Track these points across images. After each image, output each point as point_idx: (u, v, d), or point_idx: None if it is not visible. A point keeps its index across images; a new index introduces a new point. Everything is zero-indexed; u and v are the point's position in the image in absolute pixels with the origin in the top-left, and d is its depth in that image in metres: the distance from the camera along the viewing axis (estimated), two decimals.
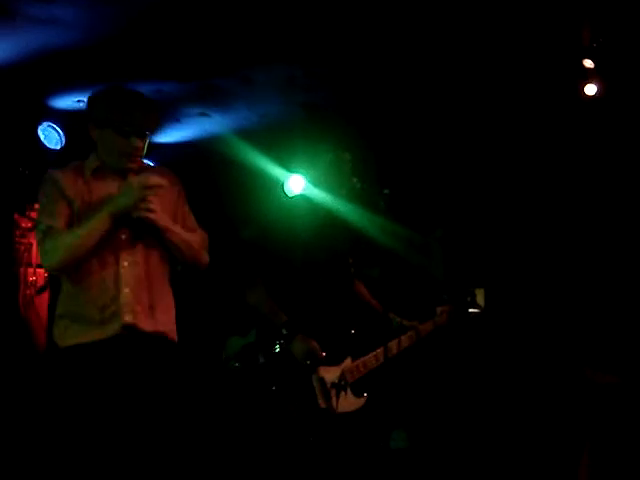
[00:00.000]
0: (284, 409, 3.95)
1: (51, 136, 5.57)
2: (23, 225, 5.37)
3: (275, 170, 6.14)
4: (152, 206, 3.18)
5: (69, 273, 3.20)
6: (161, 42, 4.72)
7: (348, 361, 4.16)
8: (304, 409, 3.95)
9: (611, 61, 4.99)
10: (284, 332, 4.02)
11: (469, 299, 4.61)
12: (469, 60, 5.01)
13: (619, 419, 4.94)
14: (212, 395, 5.10)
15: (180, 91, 5.38)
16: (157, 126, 3.34)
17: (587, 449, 4.93)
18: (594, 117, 5.52)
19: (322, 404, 3.98)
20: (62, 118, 5.57)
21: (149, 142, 3.30)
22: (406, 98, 5.59)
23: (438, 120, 5.82)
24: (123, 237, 3.21)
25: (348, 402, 4.09)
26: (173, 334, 3.33)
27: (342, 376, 4.08)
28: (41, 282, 5.38)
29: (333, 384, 4.02)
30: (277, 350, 4.04)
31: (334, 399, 4.01)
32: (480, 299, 4.68)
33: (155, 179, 3.19)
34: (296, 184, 6.05)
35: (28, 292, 5.37)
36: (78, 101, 5.32)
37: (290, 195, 6.04)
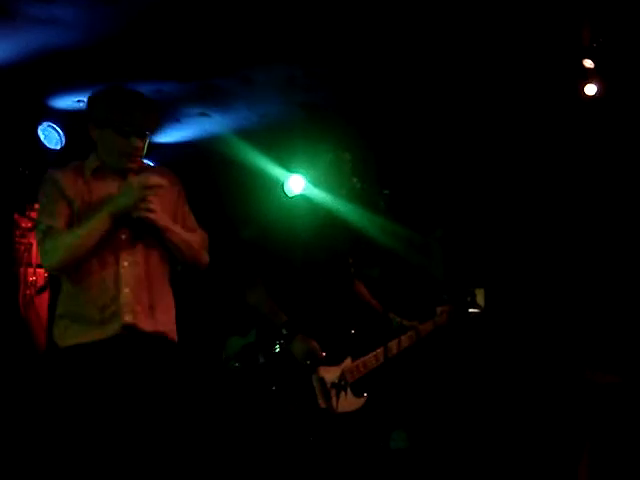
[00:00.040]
0: (284, 409, 3.95)
1: (51, 136, 5.57)
2: (23, 225, 5.37)
3: (275, 170, 6.14)
4: (152, 206, 3.17)
5: (69, 273, 3.19)
6: (161, 42, 4.72)
7: (348, 361, 4.16)
8: (304, 409, 3.96)
9: (611, 61, 4.99)
10: (284, 332, 4.02)
11: (469, 299, 4.62)
12: (469, 60, 5.01)
13: (619, 419, 4.94)
14: (212, 395, 5.10)
15: (180, 91, 5.38)
16: (157, 126, 3.34)
17: (587, 449, 4.94)
18: (594, 117, 5.52)
19: (322, 404, 3.98)
20: (62, 118, 5.57)
21: (149, 142, 3.29)
22: (406, 98, 5.59)
23: (438, 120, 5.82)
24: (123, 237, 3.21)
25: (348, 402, 4.09)
26: (173, 334, 3.32)
27: (342, 376, 4.08)
28: (41, 282, 5.38)
29: (333, 384, 4.02)
30: (277, 350, 4.04)
31: (334, 399, 4.01)
32: (480, 299, 4.68)
33: (155, 179, 3.18)
34: (296, 184, 6.05)
35: (28, 292, 5.36)
36: (78, 101, 5.32)
37: (290, 195, 6.04)
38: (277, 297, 4.12)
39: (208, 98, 5.55)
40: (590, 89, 5.20)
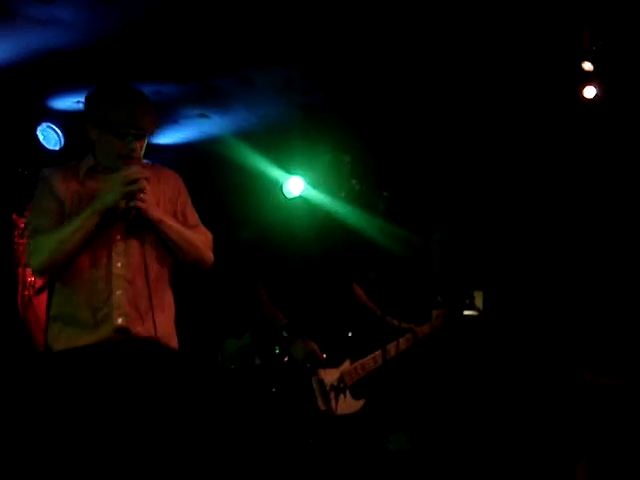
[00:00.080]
0: (284, 411, 3.95)
1: (50, 137, 5.57)
2: (22, 225, 5.36)
3: (274, 172, 6.14)
4: (143, 196, 3.10)
5: (59, 274, 3.15)
6: (160, 43, 4.72)
7: (347, 363, 4.16)
8: (304, 411, 3.95)
9: (610, 64, 4.99)
10: (284, 334, 4.02)
11: (467, 301, 4.62)
12: (468, 62, 5.01)
13: (617, 421, 4.94)
14: (210, 398, 5.09)
15: (179, 92, 5.38)
16: (156, 128, 3.28)
17: (585, 451, 4.93)
18: (593, 120, 5.52)
19: (321, 406, 3.98)
20: (61, 119, 5.57)
21: (147, 143, 3.26)
22: (405, 100, 5.59)
23: (437, 122, 5.82)
24: (118, 237, 3.15)
25: (347, 404, 4.09)
26: (169, 339, 3.24)
27: (341, 378, 4.08)
28: (40, 283, 5.37)
29: (332, 386, 4.02)
30: (277, 352, 4.03)
31: (333, 401, 4.01)
32: (479, 301, 4.68)
33: (137, 172, 3.10)
34: (295, 186, 6.05)
35: (27, 293, 5.35)
36: (77, 102, 5.31)
37: (289, 197, 6.04)
38: (276, 299, 4.12)
39: (207, 99, 5.55)
40: (589, 92, 5.21)
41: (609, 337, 5.50)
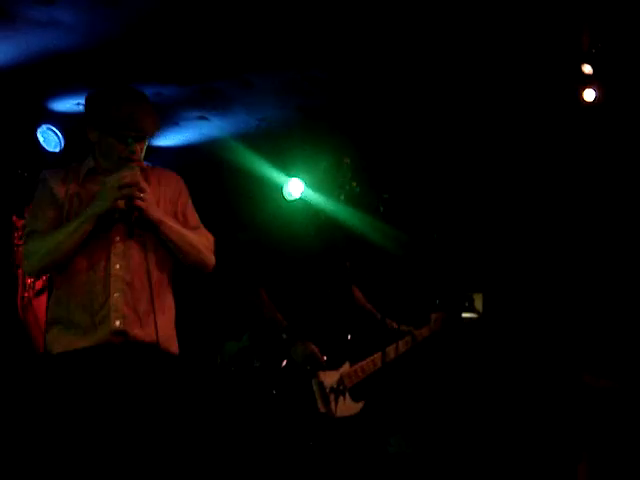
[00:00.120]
0: (284, 413, 3.95)
1: (50, 139, 5.56)
2: (21, 227, 5.36)
3: (274, 174, 6.14)
4: (143, 196, 3.08)
5: (58, 277, 3.14)
6: (161, 45, 4.72)
7: (346, 366, 4.16)
8: (304, 413, 3.95)
9: (610, 67, 4.99)
10: (284, 337, 4.02)
11: (467, 304, 4.62)
12: (468, 64, 5.01)
13: (617, 423, 4.94)
14: (208, 402, 5.08)
15: (180, 95, 5.38)
16: (156, 130, 3.26)
17: (586, 453, 4.94)
18: (593, 123, 5.52)
19: (321, 408, 3.98)
20: (62, 121, 5.57)
21: (148, 145, 3.25)
22: (405, 103, 5.59)
23: (438, 124, 5.82)
24: (117, 239, 3.13)
25: (347, 407, 4.09)
26: (169, 342, 3.21)
27: (340, 381, 4.09)
28: (39, 284, 5.38)
29: (332, 389, 4.03)
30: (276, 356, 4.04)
31: (333, 403, 4.02)
32: (478, 304, 4.68)
33: (130, 176, 3.07)
34: (295, 188, 6.05)
35: (26, 294, 5.35)
36: (78, 104, 5.31)
37: (289, 199, 6.04)
38: (276, 301, 4.13)
39: (207, 102, 5.55)
40: (589, 95, 5.20)
41: (608, 339, 5.51)
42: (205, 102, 5.53)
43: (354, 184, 4.19)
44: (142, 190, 3.09)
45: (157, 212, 3.15)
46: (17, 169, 5.33)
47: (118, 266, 3.10)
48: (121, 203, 3.07)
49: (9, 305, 5.28)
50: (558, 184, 6.05)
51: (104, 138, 3.14)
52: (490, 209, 6.33)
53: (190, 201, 3.39)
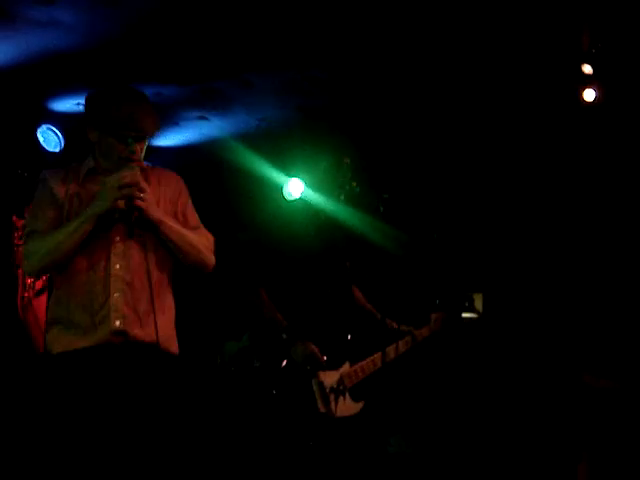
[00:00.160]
0: (284, 413, 3.95)
1: (50, 139, 5.56)
2: (21, 227, 5.37)
3: (274, 174, 6.14)
4: (143, 196, 3.07)
5: (58, 277, 3.13)
6: (161, 45, 4.72)
7: (346, 366, 4.17)
8: (304, 413, 3.96)
9: (610, 67, 4.99)
10: (284, 337, 4.02)
11: (467, 304, 4.62)
12: (468, 64, 5.01)
13: (617, 423, 4.94)
14: (208, 401, 5.08)
15: (180, 94, 5.38)
16: (156, 129, 3.25)
17: (586, 454, 4.94)
18: (593, 123, 5.52)
19: (321, 408, 3.99)
20: (62, 121, 5.57)
21: (148, 145, 3.25)
22: (405, 103, 5.59)
23: (437, 124, 5.82)
24: (117, 239, 3.12)
25: (347, 407, 4.09)
26: (169, 342, 3.20)
27: (340, 381, 4.09)
28: (39, 284, 5.38)
29: (332, 389, 4.03)
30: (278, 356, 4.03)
31: (333, 403, 4.02)
32: (478, 304, 4.69)
33: (129, 176, 3.07)
34: (295, 188, 6.05)
35: (26, 294, 5.35)
36: (78, 104, 5.31)
37: (289, 199, 6.04)
38: (276, 301, 4.13)
39: (207, 102, 5.55)
40: (589, 95, 5.20)
41: (608, 339, 5.51)
42: (205, 102, 5.53)
43: (354, 184, 4.19)
44: (142, 190, 3.08)
45: (157, 212, 3.15)
46: (17, 169, 5.33)
47: (118, 266, 3.09)
48: (121, 203, 3.07)
49: (9, 305, 5.28)
50: (558, 184, 6.05)
51: (104, 138, 3.13)
52: (490, 209, 6.33)
53: (190, 201, 3.38)
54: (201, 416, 5.11)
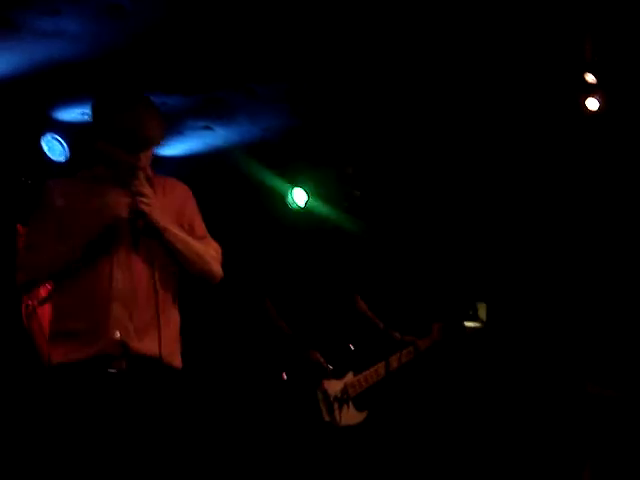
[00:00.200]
0: (289, 422, 3.95)
1: (55, 148, 5.57)
2: None
3: (278, 183, 6.14)
4: (146, 200, 3.02)
5: (60, 286, 3.10)
6: (166, 55, 4.74)
7: (350, 375, 4.17)
8: (308, 422, 3.96)
9: (613, 76, 5.00)
10: (289, 346, 4.02)
11: (470, 313, 4.63)
12: (471, 73, 5.02)
13: (620, 432, 4.94)
14: (212, 409, 5.07)
15: (184, 104, 5.39)
16: (162, 138, 3.21)
17: (589, 462, 4.93)
18: (596, 132, 5.53)
19: (326, 417, 3.99)
20: (67, 130, 5.57)
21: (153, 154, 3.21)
22: (409, 113, 5.60)
23: (442, 132, 5.83)
24: (121, 249, 3.06)
25: (350, 416, 4.10)
26: (172, 357, 3.11)
27: (344, 390, 4.09)
28: (44, 293, 5.37)
29: (336, 398, 4.04)
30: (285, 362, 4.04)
31: (337, 412, 4.02)
32: (482, 313, 4.69)
33: (133, 186, 3.03)
34: (299, 197, 6.06)
35: (31, 303, 5.34)
36: (83, 114, 5.33)
37: (293, 208, 6.05)
38: (280, 311, 4.14)
39: (212, 111, 5.56)
40: (592, 104, 5.21)
41: (612, 349, 5.51)
42: (210, 112, 5.54)
43: (357, 193, 4.20)
44: (146, 196, 3.03)
45: (161, 218, 3.08)
46: (21, 177, 5.33)
47: (121, 277, 3.03)
48: (125, 212, 3.02)
49: (13, 313, 5.28)
50: (561, 193, 6.05)
51: (109, 147, 3.10)
52: (494, 218, 6.33)
53: (197, 211, 3.32)
54: (202, 427, 5.10)
